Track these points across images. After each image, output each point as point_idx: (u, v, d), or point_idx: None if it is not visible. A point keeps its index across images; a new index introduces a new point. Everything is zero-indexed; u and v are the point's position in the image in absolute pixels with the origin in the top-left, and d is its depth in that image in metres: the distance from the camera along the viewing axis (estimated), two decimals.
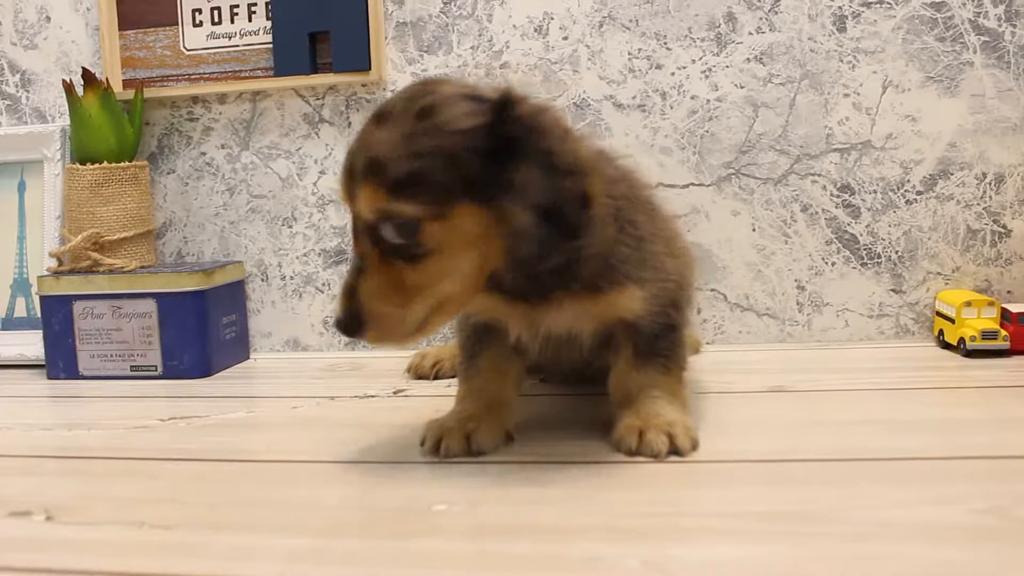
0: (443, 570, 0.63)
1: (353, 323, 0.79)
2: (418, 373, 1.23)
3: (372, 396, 1.14)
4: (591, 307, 0.87)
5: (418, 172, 0.76)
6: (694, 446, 0.86)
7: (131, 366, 1.31)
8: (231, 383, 1.27)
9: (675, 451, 0.84)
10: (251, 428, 1.03)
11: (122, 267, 1.35)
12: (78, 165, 1.36)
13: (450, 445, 0.87)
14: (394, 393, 1.15)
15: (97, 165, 1.35)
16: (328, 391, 1.17)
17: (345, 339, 1.32)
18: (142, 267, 1.37)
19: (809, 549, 0.64)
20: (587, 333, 0.90)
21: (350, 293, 0.80)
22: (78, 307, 1.32)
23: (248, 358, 1.43)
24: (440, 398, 1.03)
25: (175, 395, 1.21)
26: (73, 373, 1.33)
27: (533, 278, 0.82)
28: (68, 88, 1.35)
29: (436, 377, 1.21)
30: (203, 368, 1.31)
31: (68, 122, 1.40)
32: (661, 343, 0.90)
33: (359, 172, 0.78)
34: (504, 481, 0.80)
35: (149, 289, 1.30)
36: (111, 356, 1.32)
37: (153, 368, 1.31)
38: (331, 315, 0.82)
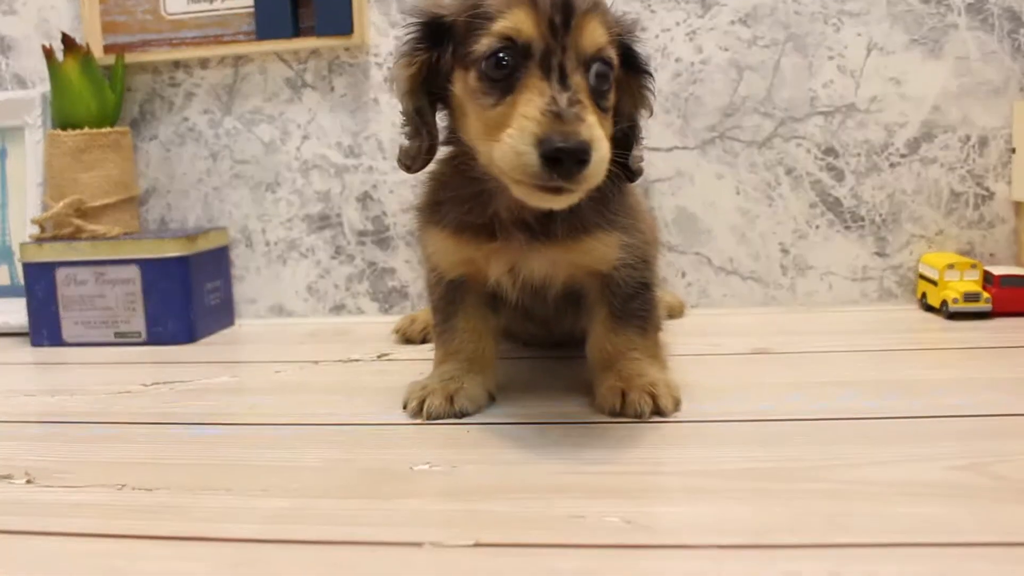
0: (424, 529, 0.63)
1: (582, 147, 0.72)
2: (407, 336, 1.23)
3: (356, 360, 1.14)
4: (570, 253, 0.87)
5: (617, 35, 0.83)
6: (676, 406, 0.86)
7: (115, 332, 1.31)
8: (215, 348, 1.27)
9: (658, 411, 0.84)
10: (234, 392, 1.03)
11: (105, 233, 1.34)
12: (59, 131, 1.35)
13: (433, 406, 0.87)
14: (378, 357, 1.15)
15: (78, 131, 1.34)
16: (312, 356, 1.17)
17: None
18: (125, 233, 1.36)
19: (791, 507, 0.64)
20: (559, 283, 0.90)
21: (570, 118, 0.73)
22: (61, 274, 1.31)
23: (232, 324, 1.43)
24: (424, 362, 1.03)
25: (159, 361, 1.20)
26: (57, 340, 1.32)
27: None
28: (48, 54, 1.34)
29: (423, 342, 1.21)
30: (187, 334, 1.30)
31: (49, 88, 1.39)
32: (636, 303, 0.90)
33: (581, 6, 0.78)
34: (486, 442, 0.81)
35: (132, 255, 1.30)
36: (95, 323, 1.31)
37: (137, 334, 1.30)
38: (535, 143, 0.72)
